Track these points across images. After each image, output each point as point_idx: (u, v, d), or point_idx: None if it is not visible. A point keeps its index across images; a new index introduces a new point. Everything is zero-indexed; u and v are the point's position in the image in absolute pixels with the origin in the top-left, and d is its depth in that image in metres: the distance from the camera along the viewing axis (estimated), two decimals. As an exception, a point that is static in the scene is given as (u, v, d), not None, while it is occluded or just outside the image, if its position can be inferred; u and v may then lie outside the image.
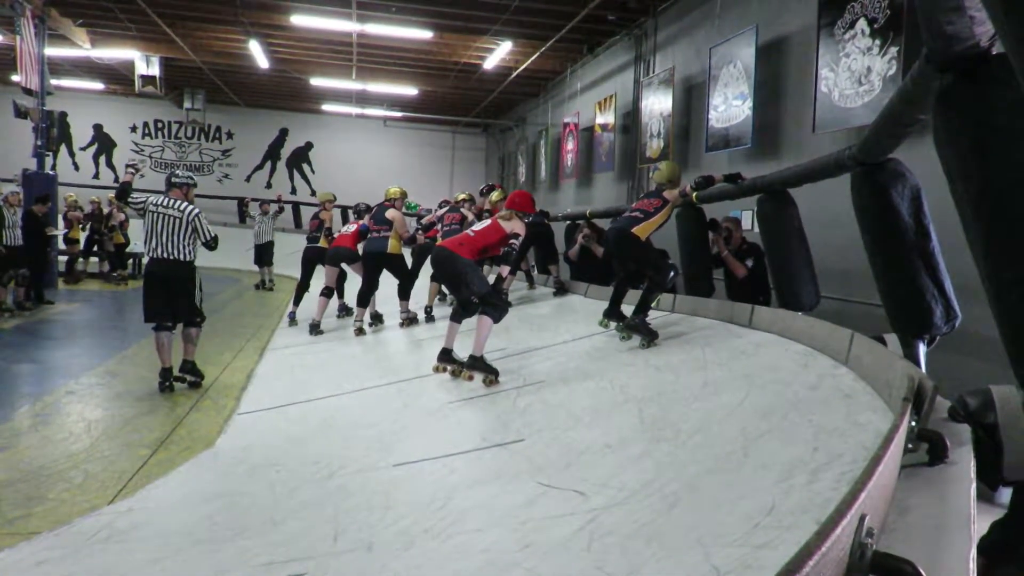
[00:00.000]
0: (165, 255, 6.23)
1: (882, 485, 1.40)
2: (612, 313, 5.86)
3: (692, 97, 10.21)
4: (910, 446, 1.96)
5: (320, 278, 9.80)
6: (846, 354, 3.55)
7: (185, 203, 6.34)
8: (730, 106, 8.71)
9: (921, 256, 3.93)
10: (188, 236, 6.28)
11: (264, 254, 15.13)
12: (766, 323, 4.84)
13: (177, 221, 6.25)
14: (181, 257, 6.27)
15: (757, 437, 2.88)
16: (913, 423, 2.00)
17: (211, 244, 6.43)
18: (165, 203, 6.28)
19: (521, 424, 4.17)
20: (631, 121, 12.11)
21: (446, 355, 5.80)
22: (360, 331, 8.62)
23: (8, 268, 9.83)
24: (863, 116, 6.26)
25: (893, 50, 6.08)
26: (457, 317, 5.96)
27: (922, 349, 4.03)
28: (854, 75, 6.52)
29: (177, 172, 6.69)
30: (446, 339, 5.89)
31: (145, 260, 6.55)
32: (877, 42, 6.26)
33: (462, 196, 9.58)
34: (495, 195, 9.01)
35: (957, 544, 1.47)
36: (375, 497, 3.38)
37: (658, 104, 10.79)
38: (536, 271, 10.11)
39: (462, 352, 5.69)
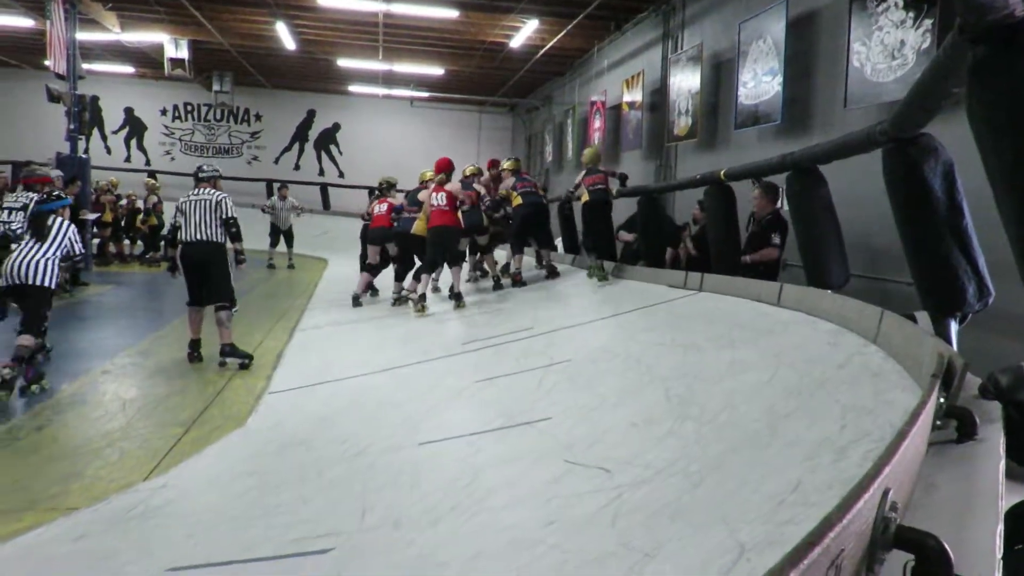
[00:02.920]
0: (198, 236, 6.50)
1: (907, 460, 1.39)
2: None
3: (721, 73, 10.08)
4: (939, 423, 1.94)
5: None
6: (875, 332, 3.51)
7: (214, 190, 6.68)
8: (759, 82, 8.59)
9: (953, 233, 3.85)
10: (218, 219, 6.55)
11: (287, 237, 15.39)
12: (794, 301, 4.79)
13: (207, 203, 6.57)
14: (213, 238, 6.53)
15: (784, 416, 2.86)
16: (942, 400, 1.98)
17: (231, 223, 6.60)
18: (196, 193, 6.66)
19: (547, 403, 4.18)
20: (659, 99, 11.99)
21: (423, 299, 8.33)
22: (399, 301, 9.31)
23: None
24: (896, 91, 6.14)
25: (927, 22, 5.95)
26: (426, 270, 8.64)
27: (953, 327, 3.97)
28: (887, 49, 6.39)
29: (203, 167, 6.95)
30: (421, 287, 8.51)
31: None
32: (911, 15, 6.12)
33: (470, 170, 9.67)
34: (508, 164, 9.99)
35: (984, 521, 1.46)
36: (402, 475, 3.42)
37: (686, 81, 10.66)
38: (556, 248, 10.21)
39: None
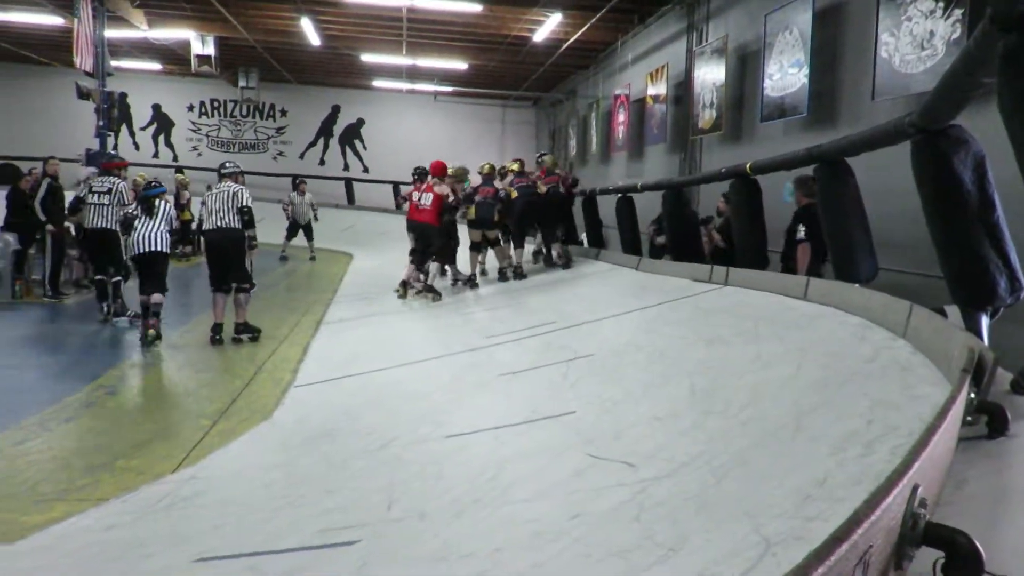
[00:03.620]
0: (219, 224, 7.31)
1: (937, 456, 1.37)
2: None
3: (746, 66, 9.99)
4: (969, 419, 1.91)
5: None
6: (904, 326, 3.47)
7: (234, 185, 7.50)
8: (786, 74, 8.50)
9: (984, 226, 3.79)
10: (235, 208, 7.35)
11: (306, 231, 15.71)
12: (821, 295, 4.74)
13: (226, 194, 7.38)
14: (232, 225, 7.31)
15: (809, 410, 2.84)
16: (972, 395, 1.96)
17: (245, 211, 7.39)
18: (219, 187, 7.48)
19: (571, 397, 4.17)
20: (683, 92, 11.91)
21: (404, 285, 9.20)
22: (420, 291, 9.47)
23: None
24: (925, 82, 6.05)
25: (957, 12, 5.85)
26: (415, 260, 9.31)
27: (984, 321, 3.91)
28: (916, 40, 6.29)
29: (225, 164, 7.87)
30: (406, 274, 9.26)
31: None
32: (940, 4, 6.03)
33: (487, 168, 10.10)
34: (514, 165, 10.34)
35: (1016, 518, 1.44)
36: (427, 468, 3.43)
37: (711, 74, 10.58)
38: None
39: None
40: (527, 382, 4.82)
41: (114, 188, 8.67)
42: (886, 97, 6.72)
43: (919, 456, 1.20)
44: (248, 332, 7.37)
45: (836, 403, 2.82)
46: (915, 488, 1.13)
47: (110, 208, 8.56)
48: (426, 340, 6.91)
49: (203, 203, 7.61)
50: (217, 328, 7.23)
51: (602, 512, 2.44)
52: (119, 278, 8.52)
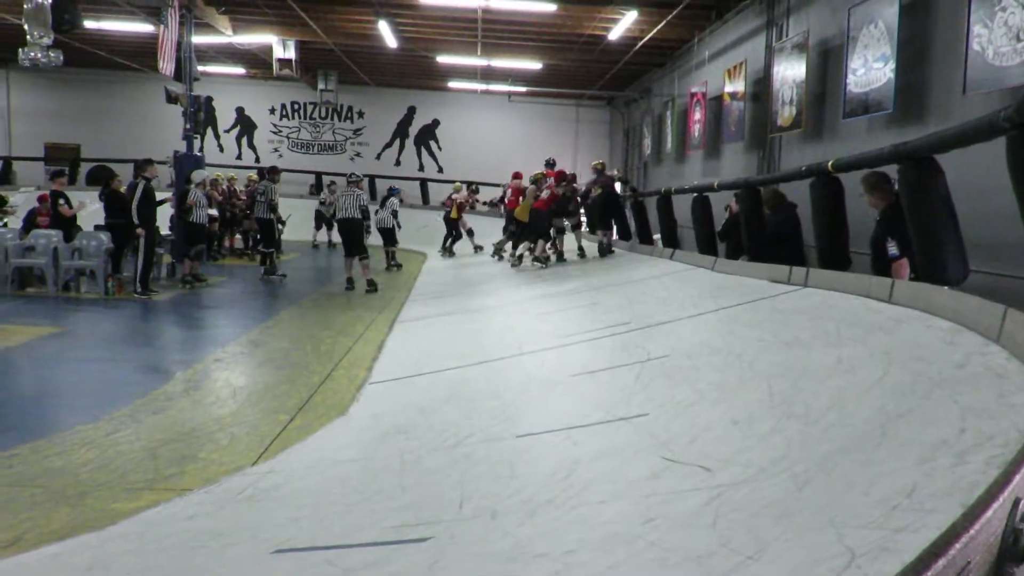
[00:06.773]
0: (348, 215, 11.37)
1: (1039, 469, 1.30)
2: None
3: (828, 61, 9.71)
4: (1072, 429, 1.81)
5: None
6: (998, 331, 3.30)
7: (357, 190, 11.51)
8: (870, 69, 8.23)
9: (1087, 225, 3.59)
10: (358, 205, 11.34)
11: (329, 225, 18.05)
12: (908, 298, 4.55)
13: (354, 196, 11.41)
14: (355, 215, 11.36)
15: (896, 417, 2.72)
16: (1076, 405, 1.85)
17: (365, 208, 11.59)
18: (347, 190, 11.58)
19: (644, 398, 4.12)
20: (762, 89, 11.66)
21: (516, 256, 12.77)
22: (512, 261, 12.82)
23: (196, 244, 11.46)
24: (1021, 75, 5.78)
25: (1058, 1, 5.56)
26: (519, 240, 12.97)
27: (1087, 326, 3.70)
28: (1011, 31, 6.01)
29: (352, 175, 12.15)
30: (513, 250, 13.03)
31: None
32: (1039, -7, 5.74)
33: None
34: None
35: None
36: (499, 466, 3.43)
37: (791, 70, 10.33)
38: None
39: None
40: (600, 383, 4.78)
41: (266, 189, 12.91)
42: (979, 91, 6.44)
43: (1020, 468, 1.14)
44: (372, 286, 11.20)
45: (924, 410, 2.70)
46: (1017, 502, 1.07)
47: (265, 204, 12.81)
48: (499, 339, 6.92)
49: (337, 197, 12.26)
50: (349, 282, 11.49)
51: (678, 516, 2.40)
52: (272, 250, 12.83)
